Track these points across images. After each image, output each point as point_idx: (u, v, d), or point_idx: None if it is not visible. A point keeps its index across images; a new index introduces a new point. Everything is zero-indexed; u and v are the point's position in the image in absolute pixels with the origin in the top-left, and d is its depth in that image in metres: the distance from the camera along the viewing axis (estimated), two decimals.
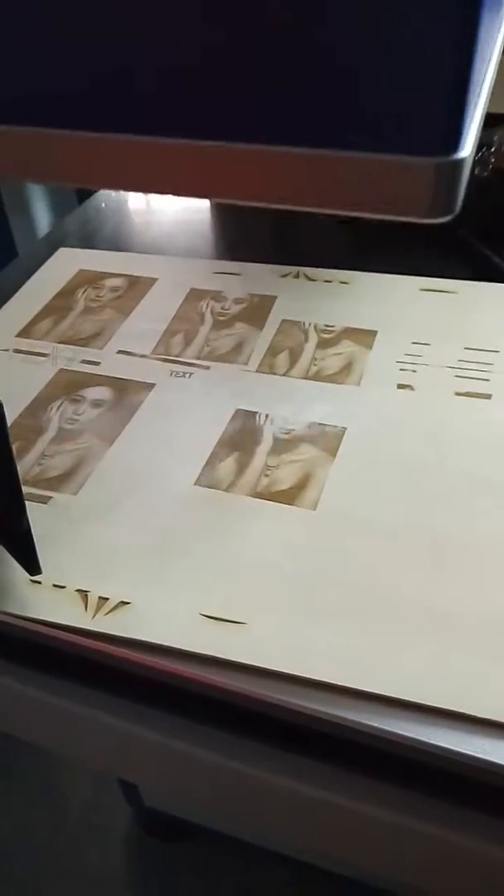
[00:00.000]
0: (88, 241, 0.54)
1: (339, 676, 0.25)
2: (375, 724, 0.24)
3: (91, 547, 0.30)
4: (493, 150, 0.61)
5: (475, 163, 0.60)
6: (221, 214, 0.57)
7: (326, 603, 0.28)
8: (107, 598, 0.28)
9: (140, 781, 0.51)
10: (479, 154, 0.60)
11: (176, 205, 0.58)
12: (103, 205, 0.59)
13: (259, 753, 0.27)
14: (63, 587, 0.29)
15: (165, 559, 0.30)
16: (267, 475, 0.33)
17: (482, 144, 0.60)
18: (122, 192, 0.60)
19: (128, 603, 0.28)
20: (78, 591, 0.28)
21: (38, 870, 0.68)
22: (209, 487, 0.33)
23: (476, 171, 0.60)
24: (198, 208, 0.58)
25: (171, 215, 0.57)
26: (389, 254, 0.50)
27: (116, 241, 0.54)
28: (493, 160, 0.61)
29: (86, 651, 0.27)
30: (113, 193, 0.60)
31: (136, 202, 0.59)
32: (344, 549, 0.30)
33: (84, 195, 0.63)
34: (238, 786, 0.28)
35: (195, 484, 0.33)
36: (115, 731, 0.28)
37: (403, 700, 0.25)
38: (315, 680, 0.25)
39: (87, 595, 0.28)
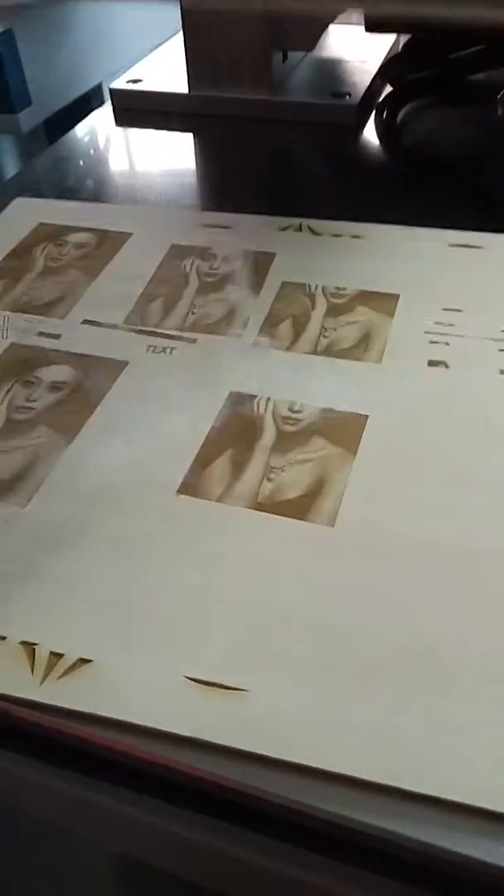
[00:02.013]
0: (53, 191, 0.46)
1: (383, 773, 0.18)
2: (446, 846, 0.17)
3: (41, 581, 0.23)
4: None
5: (497, 102, 0.53)
6: (208, 156, 0.50)
7: (358, 662, 0.21)
8: (61, 655, 0.21)
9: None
10: (502, 93, 0.53)
11: (157, 150, 0.50)
12: (81, 162, 0.50)
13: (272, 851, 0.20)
14: (3, 638, 0.21)
15: (140, 599, 0.22)
16: (270, 479, 0.26)
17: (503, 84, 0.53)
18: (96, 138, 0.52)
19: (89, 661, 0.21)
20: (22, 643, 0.21)
21: None
22: (196, 497, 0.25)
23: (500, 112, 0.52)
24: (182, 154, 0.50)
25: (150, 162, 0.49)
26: (407, 203, 0.42)
27: (85, 191, 0.46)
28: None
29: (30, 725, 0.20)
30: (86, 140, 0.52)
31: (113, 146, 0.51)
32: (376, 581, 0.23)
33: (55, 134, 0.55)
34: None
35: (179, 493, 0.26)
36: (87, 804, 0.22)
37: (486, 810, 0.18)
38: (348, 776, 0.18)
39: (34, 650, 0.21)
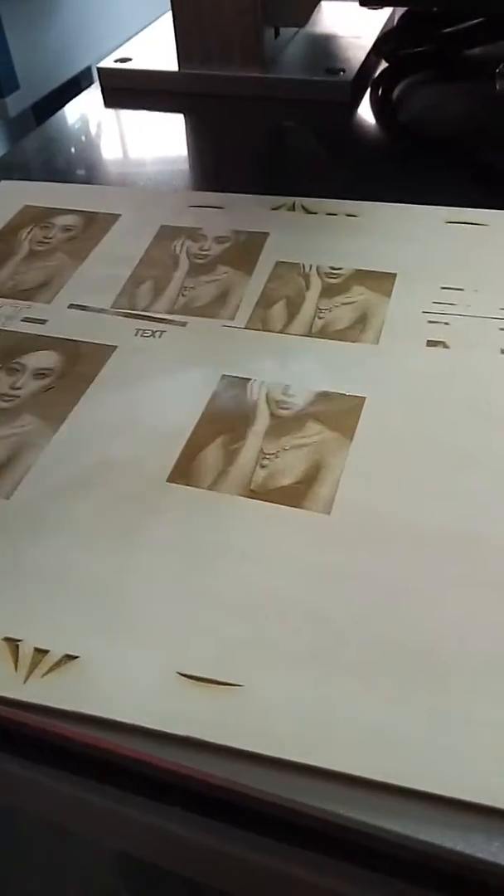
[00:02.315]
0: (39, 173, 0.45)
1: (381, 771, 0.17)
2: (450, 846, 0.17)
3: (27, 574, 0.22)
4: None
5: (496, 76, 0.51)
6: (199, 135, 0.48)
7: (356, 656, 0.20)
8: (46, 651, 0.20)
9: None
10: (501, 66, 0.51)
11: (146, 130, 0.49)
12: (68, 144, 0.49)
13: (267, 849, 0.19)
14: None
15: (128, 592, 0.21)
16: (264, 466, 0.25)
17: (503, 55, 0.51)
18: (84, 120, 0.51)
19: (75, 658, 0.20)
20: (6, 639, 0.20)
21: None
22: (188, 485, 0.24)
23: (498, 87, 0.51)
24: (173, 134, 0.48)
25: (140, 142, 0.48)
26: (403, 180, 0.41)
27: (72, 173, 0.45)
28: None
29: (14, 724, 0.19)
30: (73, 121, 0.51)
31: (102, 128, 0.50)
32: (374, 570, 0.22)
33: (44, 118, 0.53)
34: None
35: (168, 481, 0.25)
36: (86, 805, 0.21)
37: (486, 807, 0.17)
38: (346, 774, 0.18)
39: (18, 646, 0.20)
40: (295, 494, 0.24)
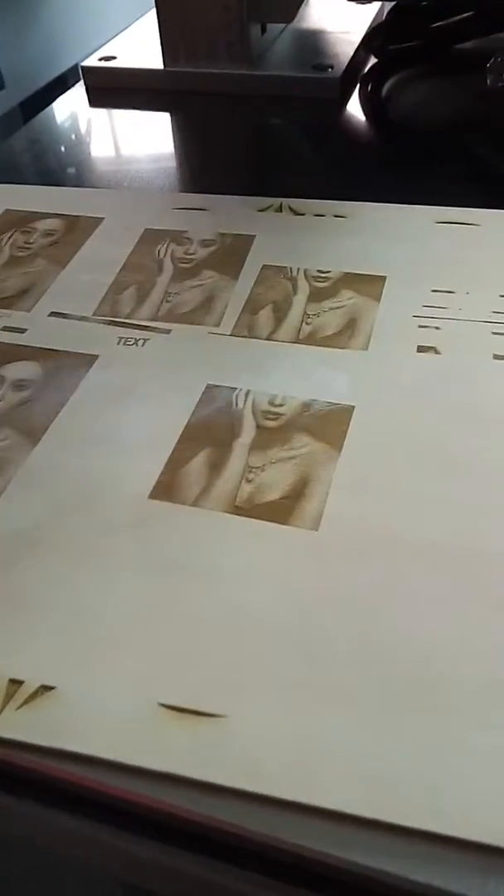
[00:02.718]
0: (21, 176, 0.44)
1: (375, 808, 0.17)
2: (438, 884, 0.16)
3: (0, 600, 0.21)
4: None
5: (487, 71, 0.50)
6: (185, 135, 0.47)
7: (348, 683, 0.19)
8: (20, 682, 0.19)
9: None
10: (492, 61, 0.50)
11: (131, 130, 0.48)
12: (51, 145, 0.48)
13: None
14: None
15: (108, 618, 0.21)
16: (249, 480, 0.24)
17: (494, 50, 0.50)
18: (68, 120, 0.50)
19: (51, 688, 0.19)
20: None
21: None
22: (170, 501, 0.24)
23: (489, 82, 0.50)
24: (158, 133, 0.47)
25: (124, 143, 0.47)
26: (393, 179, 0.40)
27: (55, 176, 0.44)
28: None
29: None
30: (57, 122, 0.50)
31: (86, 128, 0.49)
32: (365, 590, 0.21)
33: (28, 111, 0.52)
34: None
35: (151, 497, 0.24)
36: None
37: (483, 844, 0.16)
38: (337, 812, 0.17)
39: None
40: (281, 510, 0.23)
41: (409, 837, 0.16)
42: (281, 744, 0.18)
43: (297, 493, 0.23)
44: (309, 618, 0.20)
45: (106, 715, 0.18)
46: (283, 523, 0.23)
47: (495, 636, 0.20)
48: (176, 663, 0.19)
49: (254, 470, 0.24)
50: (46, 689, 0.19)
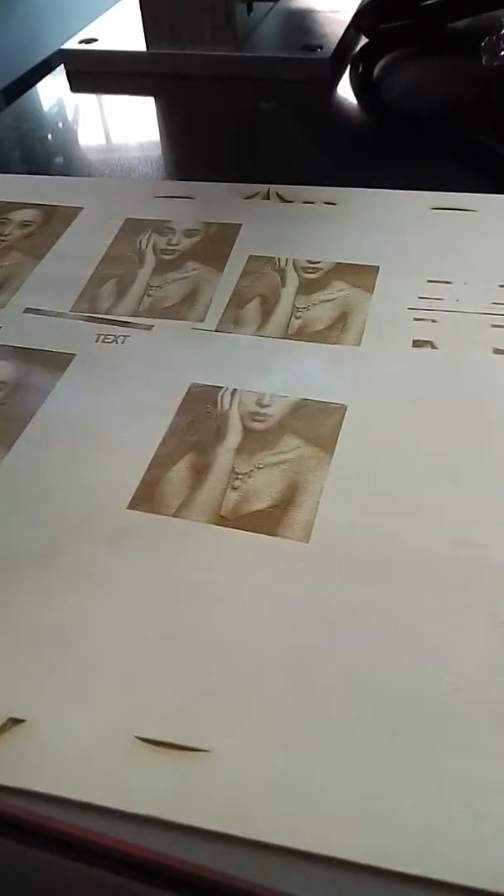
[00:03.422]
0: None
1: (370, 853, 0.15)
2: None
3: None
4: (502, 33, 0.49)
5: (481, 50, 0.49)
6: (169, 119, 0.45)
7: (341, 711, 0.17)
8: None
9: None
10: (486, 40, 0.49)
11: (114, 115, 0.46)
12: (30, 132, 0.46)
13: None
14: None
15: (83, 641, 0.19)
16: (235, 488, 0.22)
17: (489, 28, 0.49)
18: (48, 106, 0.48)
19: (21, 721, 0.18)
20: None
21: None
22: (151, 512, 0.22)
23: (484, 62, 0.48)
24: (142, 118, 0.46)
25: (107, 128, 0.45)
26: (385, 163, 0.38)
27: (34, 164, 0.42)
28: (503, 46, 0.49)
29: None
30: (36, 108, 0.48)
31: (67, 113, 0.47)
32: (359, 606, 0.19)
33: (11, 97, 0.50)
34: None
35: (130, 508, 0.22)
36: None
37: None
38: (331, 857, 0.15)
39: None
40: (270, 520, 0.21)
41: (409, 884, 0.15)
42: (270, 781, 0.16)
43: (287, 502, 0.22)
44: (299, 640, 0.19)
45: (79, 750, 0.17)
46: (271, 534, 0.21)
47: (499, 652, 0.18)
48: (155, 692, 0.18)
49: (240, 476, 0.23)
50: (15, 721, 0.17)
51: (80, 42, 0.51)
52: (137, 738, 0.17)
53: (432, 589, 0.20)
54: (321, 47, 0.47)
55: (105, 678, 0.18)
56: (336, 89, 0.47)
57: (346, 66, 0.49)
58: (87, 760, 0.17)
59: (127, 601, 0.20)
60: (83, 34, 0.52)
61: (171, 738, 0.17)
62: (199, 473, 0.23)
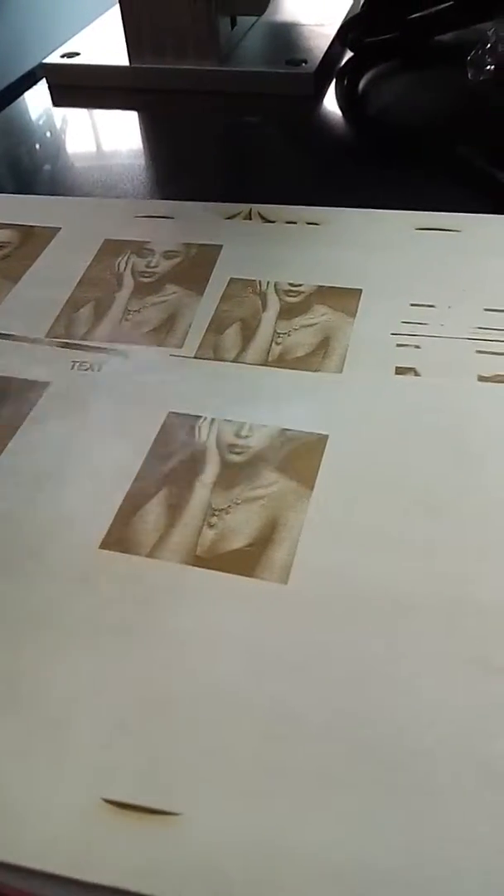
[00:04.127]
0: None
1: None
2: None
3: None
4: (488, 47, 0.49)
5: (468, 64, 0.48)
6: (152, 135, 0.45)
7: (321, 768, 0.17)
8: None
9: None
10: (473, 54, 0.48)
11: (95, 131, 0.45)
12: (7, 149, 0.45)
13: None
14: None
15: (46, 694, 0.18)
16: (212, 525, 0.22)
17: (475, 42, 0.48)
18: (27, 121, 0.47)
19: None
20: None
21: None
22: (124, 552, 0.21)
23: (471, 76, 0.48)
24: (123, 135, 0.45)
25: (87, 145, 0.44)
26: (370, 181, 0.38)
27: (12, 182, 0.41)
28: (489, 60, 0.49)
29: None
30: (14, 123, 0.47)
31: (47, 129, 0.46)
32: (339, 654, 0.19)
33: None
34: None
35: (101, 548, 0.21)
36: None
37: None
38: None
39: None
40: (247, 560, 0.21)
41: None
42: (246, 847, 0.15)
43: (265, 540, 0.21)
44: (278, 690, 0.18)
45: (40, 813, 0.16)
46: (248, 575, 0.20)
47: (489, 704, 0.17)
48: (123, 749, 0.17)
49: (217, 513, 0.22)
50: None
51: (62, 56, 0.50)
52: (104, 800, 0.16)
53: (416, 631, 0.19)
54: (306, 61, 0.47)
55: (69, 734, 0.17)
56: (321, 104, 0.46)
57: (331, 80, 0.48)
58: (48, 824, 0.16)
59: (95, 649, 0.19)
60: (65, 48, 0.51)
61: (140, 800, 0.16)
62: (175, 510, 0.22)
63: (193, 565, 0.21)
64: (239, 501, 0.22)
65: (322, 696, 0.18)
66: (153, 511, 0.22)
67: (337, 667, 0.18)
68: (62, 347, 0.28)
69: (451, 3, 0.49)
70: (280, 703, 0.18)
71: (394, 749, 0.17)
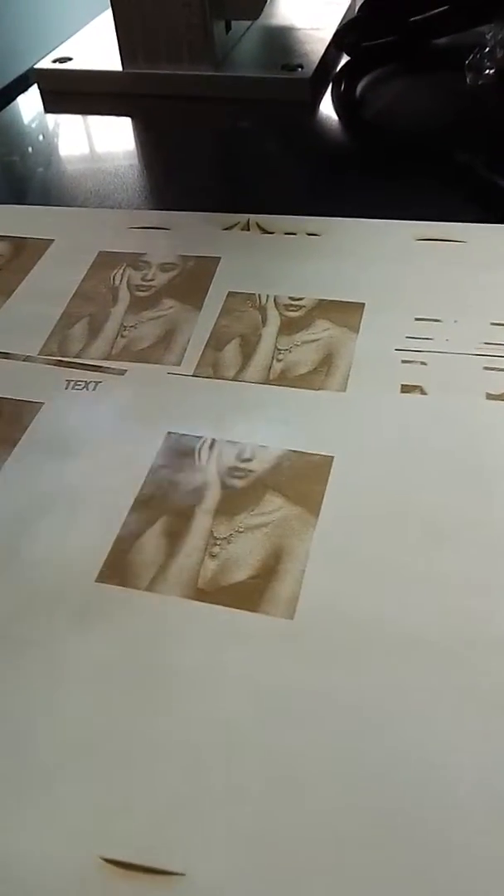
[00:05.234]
0: None
1: None
2: None
3: None
4: (487, 51, 0.48)
5: (465, 68, 0.47)
6: (146, 142, 0.44)
7: (332, 822, 0.16)
8: None
9: None
10: (471, 58, 0.47)
11: (88, 138, 0.44)
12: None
13: None
14: None
15: (42, 742, 0.17)
16: (214, 556, 0.21)
17: (473, 46, 0.47)
18: (18, 128, 0.46)
19: None
20: None
21: None
22: (121, 585, 0.20)
23: (469, 80, 0.47)
24: (117, 142, 0.44)
25: (81, 153, 0.43)
26: (369, 189, 0.37)
27: (3, 192, 0.40)
28: (488, 64, 0.48)
29: None
30: (6, 130, 0.46)
31: (39, 136, 0.45)
32: (350, 699, 0.18)
33: None
34: None
35: (98, 580, 0.20)
36: None
37: None
38: None
39: None
40: (251, 593, 0.20)
41: None
42: None
43: (269, 571, 0.20)
44: (284, 734, 0.17)
45: (38, 875, 0.15)
46: (252, 610, 0.19)
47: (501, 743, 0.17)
48: (124, 804, 0.16)
49: (219, 542, 0.21)
50: None
51: (54, 61, 0.49)
52: (104, 859, 0.15)
53: (429, 670, 0.18)
54: (302, 66, 0.46)
55: (67, 787, 0.16)
56: (317, 109, 0.45)
57: (328, 85, 0.47)
58: (45, 885, 0.15)
59: (92, 692, 0.18)
60: (57, 53, 0.50)
61: (142, 859, 0.15)
62: (175, 539, 0.21)
63: (195, 599, 0.20)
64: (241, 529, 0.21)
65: (331, 743, 0.17)
66: (152, 540, 0.21)
67: (346, 711, 0.17)
68: (56, 366, 0.27)
69: (449, 6, 0.48)
70: (288, 749, 0.17)
71: (409, 801, 0.16)
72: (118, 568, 0.21)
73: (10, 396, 0.26)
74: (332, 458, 0.23)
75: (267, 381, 0.26)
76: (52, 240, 0.34)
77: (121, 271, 0.32)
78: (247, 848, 0.15)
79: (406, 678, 0.18)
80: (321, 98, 0.46)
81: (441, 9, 0.48)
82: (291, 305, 0.29)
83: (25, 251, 0.33)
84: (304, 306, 0.29)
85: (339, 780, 0.16)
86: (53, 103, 0.48)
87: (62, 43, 0.52)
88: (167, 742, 0.17)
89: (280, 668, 0.18)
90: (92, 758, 0.17)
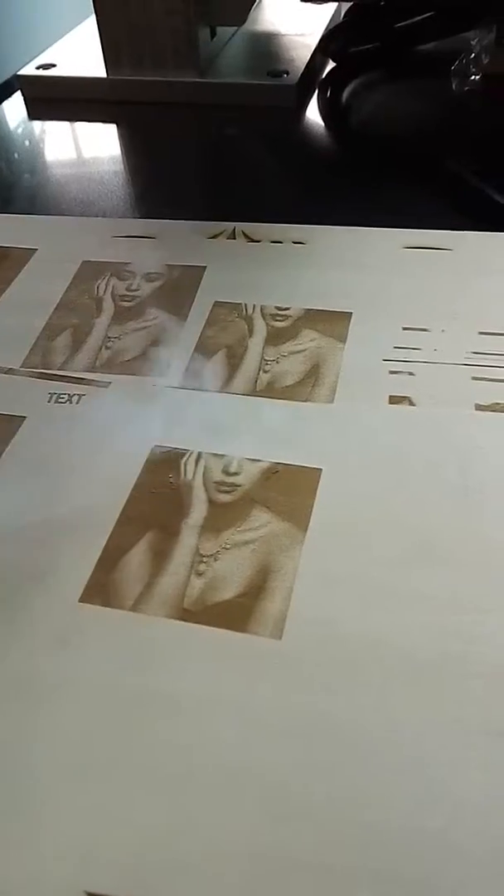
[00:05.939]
0: None
1: None
2: None
3: None
4: (472, 56, 0.48)
5: (451, 74, 0.47)
6: (131, 149, 0.43)
7: (324, 857, 0.15)
8: None
9: None
10: (457, 63, 0.47)
11: (72, 146, 0.44)
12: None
13: None
14: None
15: (23, 771, 0.17)
16: (200, 573, 0.20)
17: (458, 51, 0.47)
18: (1, 132, 0.46)
19: None
20: None
21: None
22: (105, 605, 0.20)
23: (454, 86, 0.47)
24: (101, 149, 0.43)
25: (64, 160, 0.43)
26: (356, 196, 0.37)
27: None
28: (473, 69, 0.48)
29: None
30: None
31: (22, 143, 0.45)
32: (341, 720, 0.17)
33: None
34: None
35: (81, 601, 0.20)
36: None
37: None
38: None
39: None
40: (238, 613, 0.19)
41: None
42: None
43: (257, 589, 0.20)
44: (274, 760, 0.17)
45: None
46: (240, 630, 0.19)
47: (499, 772, 0.16)
48: (107, 836, 0.16)
49: (205, 559, 0.21)
50: None
51: (38, 67, 0.49)
52: (88, 893, 0.15)
53: (422, 694, 0.18)
54: (287, 72, 0.46)
55: (47, 818, 0.16)
56: (303, 115, 0.45)
57: (314, 92, 0.47)
58: None
59: (75, 718, 0.17)
60: (41, 59, 0.50)
61: (127, 893, 0.15)
62: (160, 556, 0.21)
63: (181, 619, 0.19)
64: (228, 546, 0.21)
65: (323, 770, 0.16)
66: (136, 558, 0.21)
67: (337, 736, 0.17)
68: (39, 378, 0.27)
69: (435, 12, 0.48)
70: (277, 780, 0.16)
71: (403, 832, 0.15)
72: (102, 587, 0.20)
73: None
74: (321, 470, 0.23)
75: (254, 393, 0.26)
76: (35, 249, 0.33)
77: (105, 281, 0.31)
78: (240, 881, 0.15)
79: (399, 702, 0.17)
80: (307, 104, 0.46)
81: (426, 14, 0.48)
82: (278, 315, 0.29)
83: (7, 261, 0.33)
84: (290, 316, 0.29)
85: (331, 811, 0.16)
86: (37, 110, 0.48)
87: (46, 49, 0.51)
88: (152, 771, 0.17)
89: (269, 691, 0.18)
90: (73, 787, 0.16)
